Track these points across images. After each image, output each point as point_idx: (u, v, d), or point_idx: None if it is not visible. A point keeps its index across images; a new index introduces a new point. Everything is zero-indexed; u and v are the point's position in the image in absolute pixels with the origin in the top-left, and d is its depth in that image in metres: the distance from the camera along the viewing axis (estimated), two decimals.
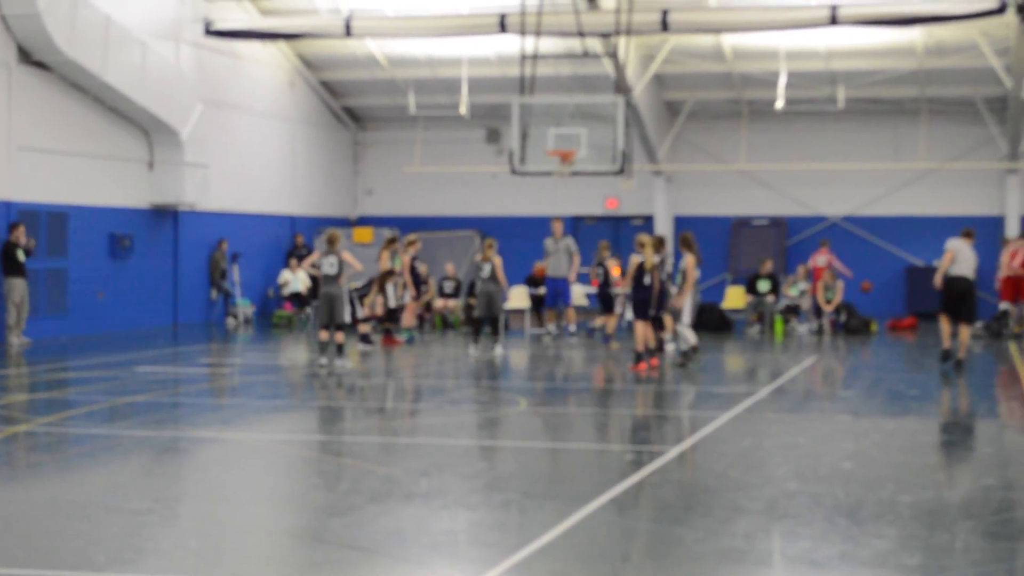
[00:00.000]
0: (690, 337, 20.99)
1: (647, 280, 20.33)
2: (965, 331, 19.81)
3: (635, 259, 20.58)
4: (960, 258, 19.73)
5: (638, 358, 20.01)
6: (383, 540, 8.58)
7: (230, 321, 30.26)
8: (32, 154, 24.96)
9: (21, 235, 23.90)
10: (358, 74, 34.20)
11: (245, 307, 30.84)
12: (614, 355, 22.63)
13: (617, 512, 9.59)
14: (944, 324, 19.82)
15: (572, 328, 26.79)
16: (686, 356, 20.65)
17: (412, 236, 26.37)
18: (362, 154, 37.21)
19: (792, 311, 28.99)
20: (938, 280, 19.82)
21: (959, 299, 19.70)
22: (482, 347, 22.79)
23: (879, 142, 33.81)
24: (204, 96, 29.55)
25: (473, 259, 33.61)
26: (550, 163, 23.79)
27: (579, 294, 30.91)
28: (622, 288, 24.76)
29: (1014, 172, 32.44)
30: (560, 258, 26.69)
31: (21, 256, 23.94)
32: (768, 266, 29.48)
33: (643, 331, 20.26)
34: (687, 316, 21.40)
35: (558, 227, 26.98)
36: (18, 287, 23.80)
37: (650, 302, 20.45)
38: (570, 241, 26.99)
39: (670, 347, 23.50)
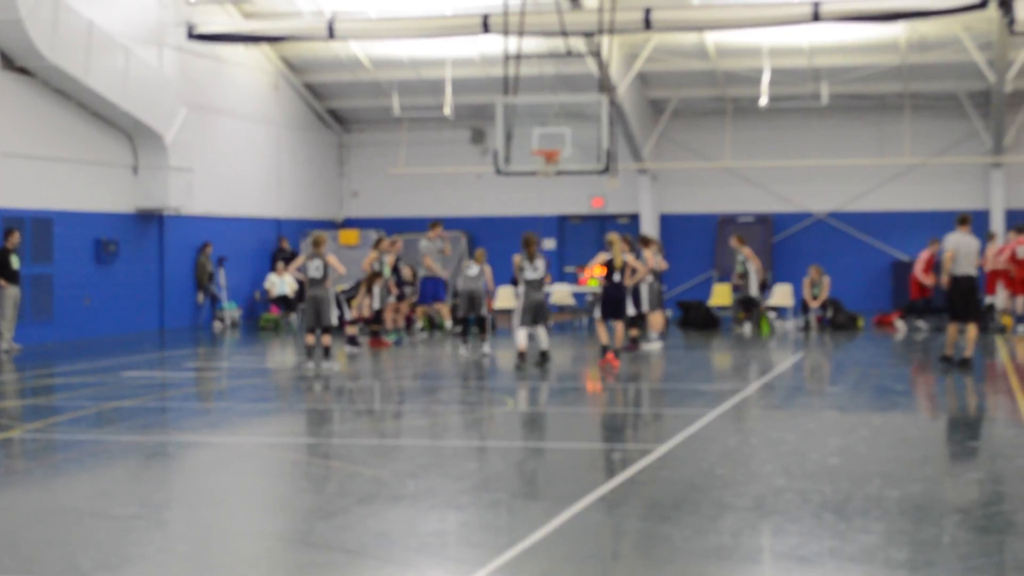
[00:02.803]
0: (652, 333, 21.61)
1: (616, 278, 20.40)
2: (974, 329, 19.42)
3: (602, 257, 20.63)
4: (962, 255, 19.14)
5: (604, 350, 20.14)
6: (371, 542, 8.57)
7: (217, 325, 30.23)
8: (16, 160, 24.90)
9: (15, 242, 23.96)
10: (342, 76, 34.17)
11: (232, 311, 30.82)
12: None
13: (605, 511, 9.59)
14: (952, 330, 19.29)
15: (419, 324, 27.04)
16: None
17: (394, 237, 26.39)
18: (347, 156, 37.18)
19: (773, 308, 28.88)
20: (945, 280, 19.29)
21: (966, 299, 19.28)
22: (471, 347, 22.79)
23: (863, 138, 33.87)
24: (188, 100, 29.51)
25: (461, 261, 33.64)
26: (535, 163, 23.78)
27: (565, 294, 30.96)
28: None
29: (998, 166, 32.51)
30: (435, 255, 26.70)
31: (15, 263, 23.93)
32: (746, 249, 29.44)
33: (605, 328, 20.43)
34: (646, 305, 22.45)
35: (437, 230, 26.92)
36: (12, 294, 23.82)
37: (619, 301, 20.51)
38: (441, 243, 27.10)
39: (656, 345, 23.57)
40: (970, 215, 20.08)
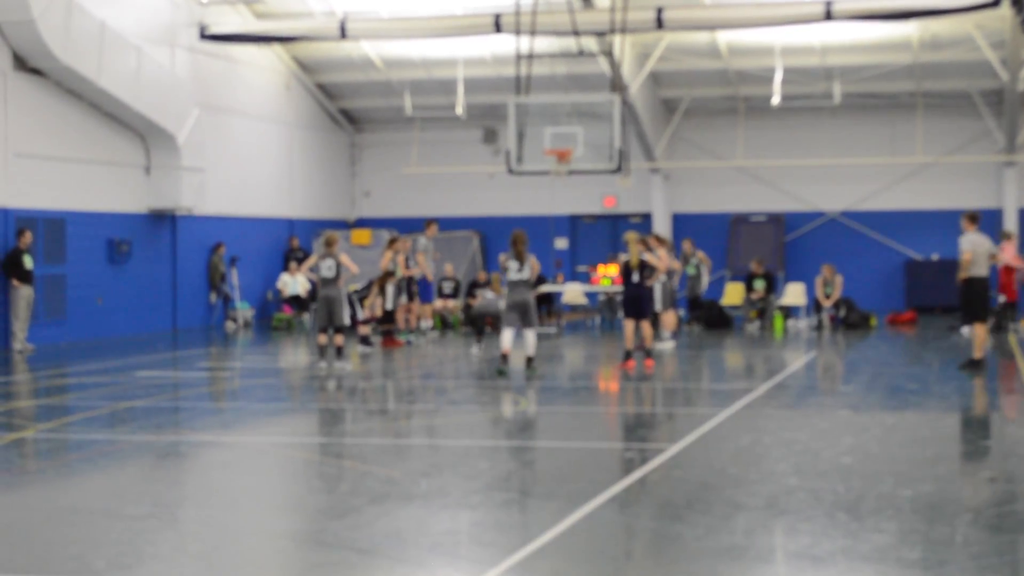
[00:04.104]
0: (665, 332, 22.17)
1: (635, 278, 20.24)
2: (983, 330, 19.19)
3: (622, 257, 20.59)
4: (979, 256, 18.87)
5: (626, 355, 19.97)
6: (383, 541, 8.57)
7: (229, 325, 30.27)
8: (29, 161, 24.96)
9: (28, 242, 24.03)
10: (354, 76, 34.20)
11: (244, 310, 30.86)
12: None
13: (618, 510, 9.58)
14: (981, 331, 18.93)
15: (427, 324, 27.06)
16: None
17: (404, 237, 26.48)
18: (359, 156, 37.21)
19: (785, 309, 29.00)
20: (961, 278, 18.99)
21: (982, 299, 19.09)
22: (484, 346, 22.82)
23: (876, 137, 33.81)
24: (200, 100, 29.55)
25: (476, 262, 33.69)
26: (547, 162, 23.78)
27: (577, 293, 30.94)
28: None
29: (1011, 165, 32.43)
30: (429, 257, 26.68)
31: (28, 263, 23.99)
32: (758, 265, 29.44)
33: (632, 330, 20.25)
34: (658, 304, 22.48)
35: (433, 228, 26.93)
36: (25, 294, 23.88)
37: (640, 300, 20.32)
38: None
39: (668, 345, 23.57)
40: (979, 213, 19.95)
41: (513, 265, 19.48)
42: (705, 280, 29.08)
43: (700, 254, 28.83)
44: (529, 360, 19.24)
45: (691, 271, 28.67)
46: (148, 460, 12.12)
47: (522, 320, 19.36)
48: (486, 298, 23.61)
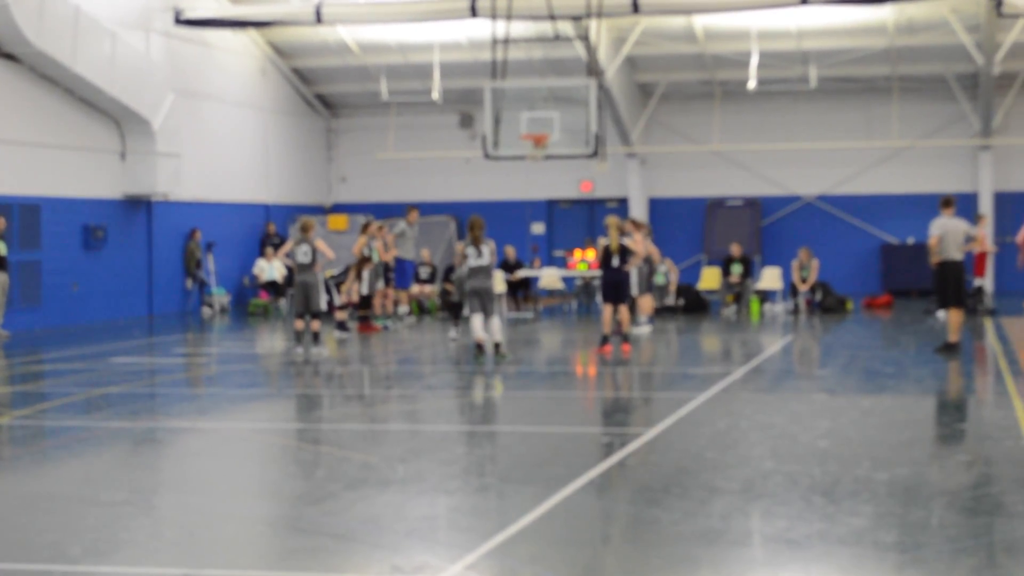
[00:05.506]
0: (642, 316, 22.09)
1: (614, 263, 20.23)
2: (959, 314, 19.19)
3: (602, 241, 20.58)
4: (950, 239, 18.83)
5: (603, 340, 19.98)
6: (359, 527, 8.56)
7: (205, 311, 30.20)
8: (3, 146, 24.82)
9: (2, 227, 23.87)
10: (330, 61, 34.10)
11: (220, 296, 30.79)
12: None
13: (595, 495, 9.59)
14: (957, 315, 18.89)
15: (404, 309, 27.02)
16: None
17: (378, 222, 26.46)
18: (335, 141, 37.13)
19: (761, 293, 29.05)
20: (933, 263, 18.98)
21: (955, 283, 19.05)
22: (461, 331, 22.81)
23: (852, 121, 33.89)
24: (175, 85, 29.43)
25: (453, 247, 33.64)
26: (523, 147, 23.76)
27: (554, 278, 30.94)
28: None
29: (986, 148, 32.54)
30: (410, 242, 26.66)
31: (3, 249, 23.85)
32: (738, 249, 29.42)
33: (610, 314, 20.23)
34: (635, 289, 22.48)
35: (415, 214, 26.92)
36: (0, 280, 23.74)
37: (619, 285, 20.32)
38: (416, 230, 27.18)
39: (645, 329, 23.59)
40: (954, 197, 19.93)
41: (472, 252, 19.31)
42: (673, 281, 28.78)
43: (668, 262, 28.58)
44: (497, 346, 19.12)
45: (660, 280, 28.16)
46: (124, 446, 12.09)
47: (483, 308, 19.19)
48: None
